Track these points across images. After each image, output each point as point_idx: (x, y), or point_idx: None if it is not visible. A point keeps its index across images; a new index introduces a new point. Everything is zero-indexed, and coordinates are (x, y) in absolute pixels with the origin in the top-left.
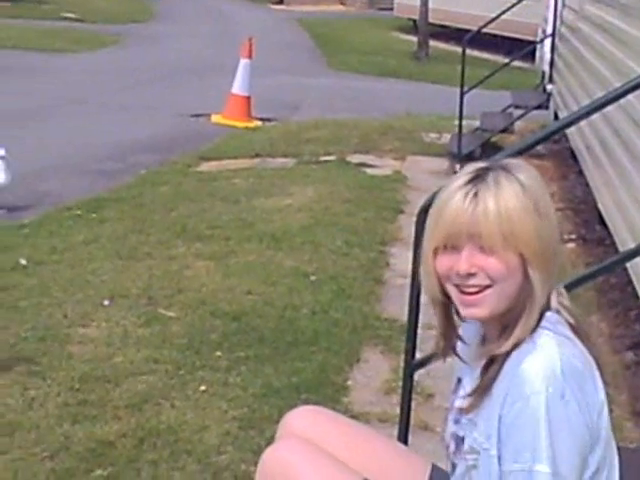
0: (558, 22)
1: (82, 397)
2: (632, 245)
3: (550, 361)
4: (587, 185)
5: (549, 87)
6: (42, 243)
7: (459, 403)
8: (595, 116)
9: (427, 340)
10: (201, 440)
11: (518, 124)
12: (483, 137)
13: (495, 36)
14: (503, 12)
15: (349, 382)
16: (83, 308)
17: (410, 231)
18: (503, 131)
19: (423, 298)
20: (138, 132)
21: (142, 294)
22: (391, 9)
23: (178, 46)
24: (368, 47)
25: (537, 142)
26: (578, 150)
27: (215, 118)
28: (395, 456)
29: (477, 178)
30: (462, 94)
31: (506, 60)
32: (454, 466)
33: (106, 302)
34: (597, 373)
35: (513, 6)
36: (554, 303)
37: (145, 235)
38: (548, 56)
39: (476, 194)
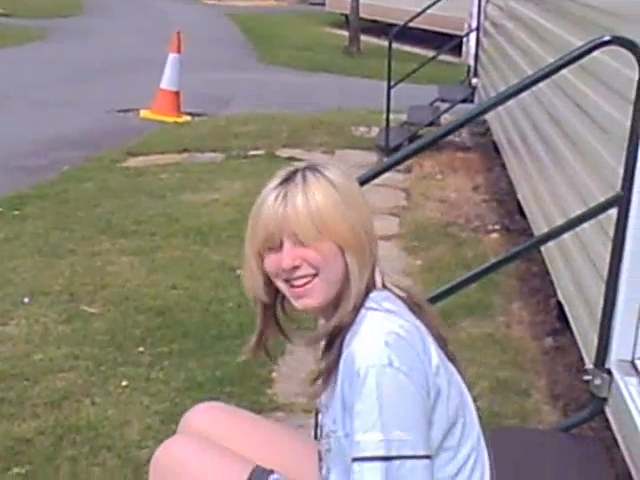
0: (482, 17)
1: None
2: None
3: (374, 336)
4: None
5: (474, 81)
6: None
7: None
8: (515, 110)
9: None
10: (122, 435)
11: (445, 117)
12: (410, 130)
13: (425, 31)
14: (428, 7)
15: (274, 374)
16: (2, 306)
17: None
18: (430, 124)
19: None
20: (63, 128)
21: (64, 291)
22: (323, 4)
23: (107, 41)
24: (300, 42)
25: (448, 132)
26: (500, 143)
27: (144, 113)
28: (293, 441)
29: (287, 180)
30: (389, 88)
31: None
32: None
33: (26, 299)
34: (429, 338)
35: (438, 0)
36: (379, 282)
37: (68, 231)
38: (473, 50)
39: (285, 194)
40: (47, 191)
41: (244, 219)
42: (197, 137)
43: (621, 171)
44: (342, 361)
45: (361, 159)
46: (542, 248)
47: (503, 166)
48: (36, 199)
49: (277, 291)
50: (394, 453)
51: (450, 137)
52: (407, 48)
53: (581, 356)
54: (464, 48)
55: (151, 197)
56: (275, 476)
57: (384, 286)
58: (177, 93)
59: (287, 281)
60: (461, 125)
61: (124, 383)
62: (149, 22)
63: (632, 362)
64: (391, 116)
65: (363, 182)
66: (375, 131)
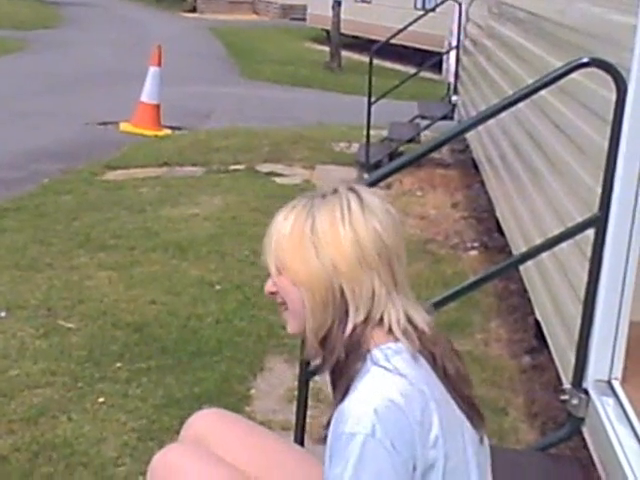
0: (462, 35)
1: None
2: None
3: (367, 400)
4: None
5: (454, 98)
6: None
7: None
8: (494, 129)
9: None
10: (98, 452)
11: (426, 134)
12: (391, 147)
13: (406, 47)
14: (409, 24)
15: (252, 391)
16: None
17: None
18: (410, 141)
19: None
20: (42, 140)
21: (41, 305)
22: (304, 19)
23: (87, 53)
24: (281, 57)
25: (430, 150)
26: (480, 161)
27: (123, 126)
28: (291, 458)
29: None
30: (370, 104)
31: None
32: None
33: (3, 314)
34: (433, 404)
35: (419, 18)
36: (395, 329)
37: (46, 245)
38: (453, 68)
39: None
40: (25, 204)
41: (224, 234)
42: (177, 151)
43: (599, 191)
44: (334, 414)
45: (341, 175)
46: (520, 267)
47: (482, 183)
48: (14, 212)
49: None
50: None
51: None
52: (388, 64)
53: (559, 375)
54: (444, 65)
55: (130, 211)
56: None
57: (404, 327)
58: (157, 106)
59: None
60: (443, 143)
61: (101, 399)
62: (128, 35)
63: (609, 382)
64: (372, 132)
65: None
66: (355, 147)
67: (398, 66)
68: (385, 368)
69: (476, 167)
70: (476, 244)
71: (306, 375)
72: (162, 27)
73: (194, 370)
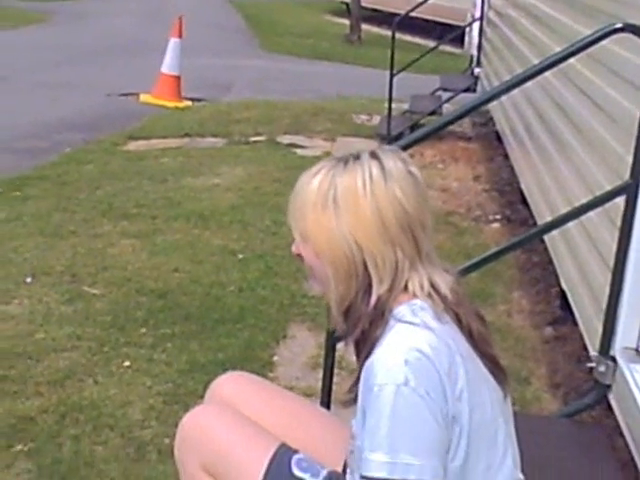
0: (486, 7)
1: (2, 373)
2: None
3: (395, 351)
4: (512, 167)
5: (477, 70)
6: None
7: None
8: (519, 99)
9: None
10: (124, 415)
11: (447, 107)
12: (412, 119)
13: (427, 21)
14: None
15: (275, 358)
16: (4, 285)
17: None
18: (432, 113)
19: None
20: (64, 110)
21: (66, 271)
22: None
23: (107, 24)
24: (301, 29)
25: (452, 120)
26: (503, 133)
27: (144, 97)
28: (318, 421)
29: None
30: (392, 76)
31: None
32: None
33: (28, 279)
34: (458, 358)
35: None
36: (418, 289)
37: (70, 213)
38: (476, 40)
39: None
40: (48, 173)
41: (246, 204)
42: (198, 122)
43: (630, 159)
44: (363, 370)
45: (363, 147)
46: (545, 237)
47: (504, 156)
48: (37, 180)
49: None
50: (397, 477)
51: (451, 127)
52: (408, 38)
53: (582, 345)
54: (467, 38)
55: (152, 181)
56: (299, 456)
57: (427, 292)
58: (178, 78)
59: None
60: (466, 113)
61: (127, 364)
62: (149, 6)
63: (637, 349)
64: (393, 105)
65: None
66: (376, 119)
67: (418, 40)
68: (411, 323)
69: (499, 140)
70: (498, 217)
71: (333, 340)
72: None
73: (218, 336)
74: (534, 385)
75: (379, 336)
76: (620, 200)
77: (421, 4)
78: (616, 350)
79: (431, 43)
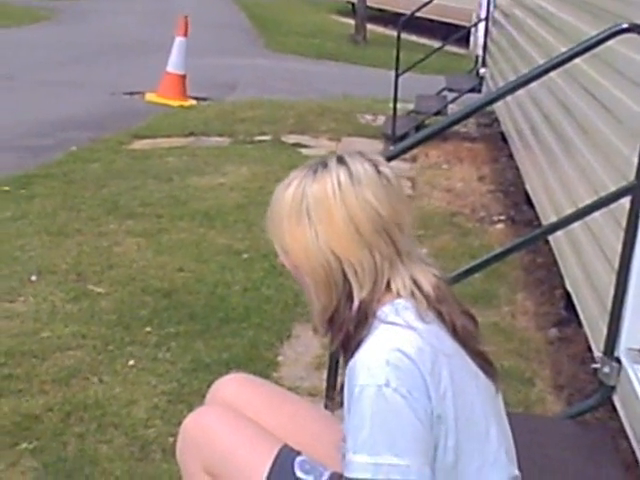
0: (492, 7)
1: (7, 371)
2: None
3: (377, 352)
4: (517, 168)
5: (482, 71)
6: None
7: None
8: (525, 99)
9: None
10: (129, 414)
11: (452, 107)
12: (417, 119)
13: (432, 21)
14: None
15: (280, 357)
16: (9, 283)
17: None
18: (437, 114)
19: None
20: (69, 109)
21: (71, 270)
22: None
23: (112, 23)
24: (306, 29)
25: (457, 120)
26: (508, 133)
27: (149, 96)
28: (319, 422)
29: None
30: (397, 76)
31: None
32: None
33: (33, 277)
34: (442, 358)
35: None
36: (401, 289)
37: (75, 212)
38: (482, 40)
39: None
40: (54, 171)
41: (250, 204)
42: (203, 121)
43: (635, 160)
44: (347, 371)
45: (368, 147)
46: (550, 238)
47: (509, 157)
48: (43, 179)
49: None
50: (382, 477)
51: (456, 127)
52: (414, 38)
53: (586, 347)
54: (472, 38)
55: (158, 179)
56: (302, 457)
57: (410, 291)
58: (183, 77)
59: None
60: (471, 113)
61: (131, 362)
62: (154, 5)
63: None
64: (398, 105)
65: None
66: (381, 119)
67: (423, 40)
68: (394, 323)
69: (504, 140)
70: (503, 217)
71: None
72: None
73: (222, 336)
74: (538, 386)
75: (364, 338)
76: (625, 201)
77: (426, 4)
78: (621, 351)
79: (436, 43)
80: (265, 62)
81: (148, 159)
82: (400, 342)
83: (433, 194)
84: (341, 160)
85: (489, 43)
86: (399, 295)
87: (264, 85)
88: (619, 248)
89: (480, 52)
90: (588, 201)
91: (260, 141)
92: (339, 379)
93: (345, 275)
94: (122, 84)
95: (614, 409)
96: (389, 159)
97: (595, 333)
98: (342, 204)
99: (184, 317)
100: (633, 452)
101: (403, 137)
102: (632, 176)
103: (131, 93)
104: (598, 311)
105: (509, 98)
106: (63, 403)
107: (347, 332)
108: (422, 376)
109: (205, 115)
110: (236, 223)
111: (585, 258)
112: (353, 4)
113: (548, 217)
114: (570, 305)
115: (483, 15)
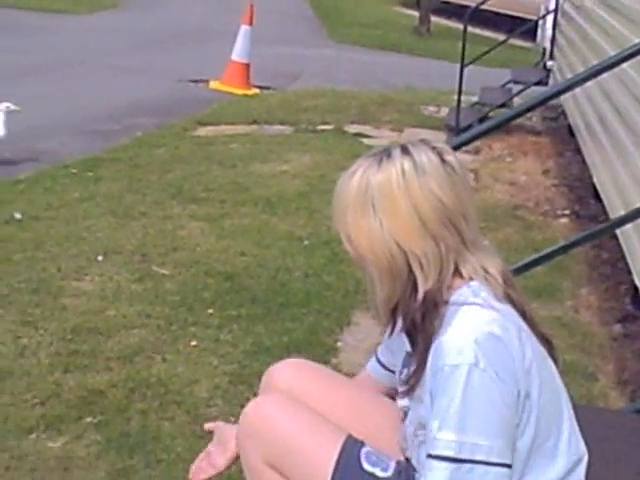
0: None
1: (74, 347)
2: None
3: (465, 332)
4: (583, 162)
5: (549, 63)
6: (37, 199)
7: (405, 378)
8: (595, 92)
9: None
10: (191, 393)
11: (517, 100)
12: (481, 111)
13: (498, 14)
14: None
15: (339, 344)
16: (77, 263)
17: None
18: (502, 106)
19: None
20: (136, 95)
21: (136, 251)
22: None
23: (178, 10)
24: (369, 20)
25: (523, 112)
26: (576, 127)
27: (213, 84)
28: (378, 409)
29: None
30: (462, 67)
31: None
32: (405, 439)
33: (100, 258)
34: (524, 334)
35: None
36: (471, 273)
37: (140, 195)
38: (549, 32)
39: None
40: (120, 155)
41: (312, 191)
42: (266, 110)
43: None
44: (432, 351)
45: (430, 138)
46: (618, 232)
47: (575, 151)
48: (109, 162)
49: None
50: (464, 456)
51: (521, 120)
52: (478, 31)
53: None
54: (539, 31)
55: (221, 166)
56: (367, 448)
57: (483, 276)
58: (247, 65)
59: None
60: (538, 104)
61: (194, 343)
62: None
63: None
64: (462, 97)
65: None
66: (444, 111)
67: (488, 33)
68: (475, 303)
69: (570, 134)
70: (567, 212)
71: None
72: None
73: (283, 320)
74: (601, 381)
75: (437, 326)
76: None
77: None
78: None
79: (501, 37)
80: (328, 52)
81: (212, 145)
82: (485, 321)
83: (496, 187)
84: (405, 150)
85: (557, 35)
86: (471, 279)
87: (327, 75)
88: None
89: (548, 44)
90: None
91: (322, 130)
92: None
93: (410, 266)
94: (187, 71)
95: None
96: (456, 147)
97: None
98: (406, 194)
99: (245, 300)
100: None
101: (467, 129)
102: None
103: (196, 81)
104: None
105: (578, 91)
106: (127, 380)
107: (413, 321)
108: (509, 354)
109: (268, 104)
110: (298, 210)
111: None
112: None
113: (616, 211)
114: (637, 300)
115: (552, 7)
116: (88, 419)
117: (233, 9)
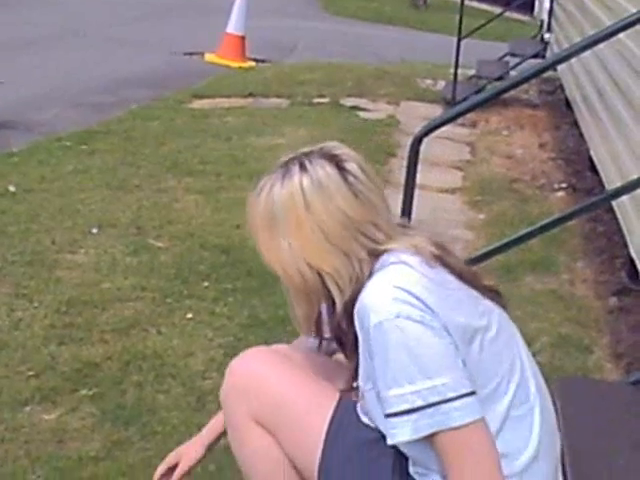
0: None
1: (69, 320)
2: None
3: (380, 293)
4: (580, 136)
5: (547, 36)
6: (31, 171)
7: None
8: (592, 64)
9: None
10: (186, 365)
11: (513, 73)
12: (478, 84)
13: None
14: None
15: None
16: (71, 235)
17: (401, 174)
18: (499, 79)
19: None
20: (131, 67)
21: (131, 224)
22: None
23: None
24: None
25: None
26: (573, 99)
27: (209, 57)
28: (341, 368)
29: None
30: (459, 40)
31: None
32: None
33: (94, 230)
34: (451, 277)
35: None
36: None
37: (135, 168)
38: (547, 5)
39: None
40: (114, 128)
41: None
42: (262, 83)
43: None
44: (355, 316)
45: (427, 112)
46: (614, 204)
47: (571, 124)
48: (104, 135)
49: None
50: (421, 403)
51: (517, 94)
52: (475, 4)
53: None
54: (536, 3)
55: (217, 138)
56: (361, 403)
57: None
58: (243, 38)
59: None
60: (534, 75)
61: (189, 315)
62: None
63: None
64: (458, 70)
65: (427, 132)
66: (441, 84)
67: (485, 6)
68: (391, 263)
69: (567, 107)
70: (564, 185)
71: None
72: None
73: (278, 293)
74: (596, 354)
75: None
76: None
77: None
78: None
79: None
80: (323, 25)
81: (207, 118)
82: (399, 277)
83: (492, 160)
84: (302, 166)
85: (555, 7)
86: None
87: (322, 48)
88: None
89: (545, 17)
90: None
91: (318, 103)
92: None
93: (323, 282)
94: (182, 43)
95: None
96: (446, 122)
97: None
98: (308, 213)
99: (241, 273)
100: None
101: (463, 102)
102: None
103: (191, 53)
104: None
105: (575, 63)
106: (122, 352)
107: (338, 329)
108: (427, 305)
109: (264, 76)
110: None
111: None
112: None
113: (613, 184)
114: (634, 273)
115: None
116: (83, 391)
117: None
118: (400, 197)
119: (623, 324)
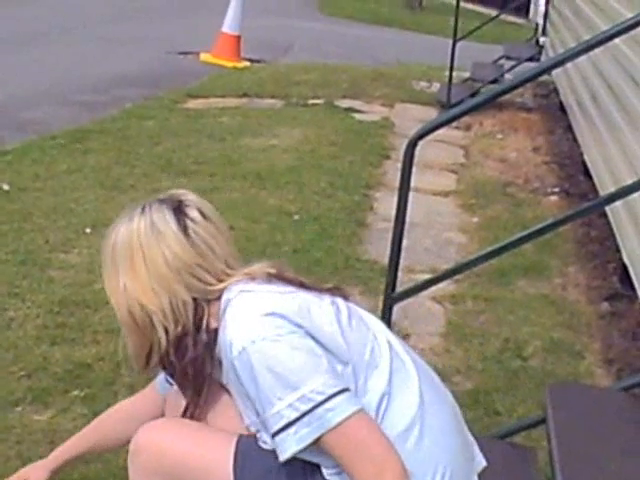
0: None
1: (61, 320)
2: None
3: (232, 323)
4: (574, 140)
5: (542, 39)
6: (25, 170)
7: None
8: (587, 69)
9: (407, 283)
10: None
11: (508, 76)
12: (473, 87)
13: None
14: None
15: None
16: (65, 235)
17: (395, 176)
18: (493, 82)
19: (405, 242)
20: (125, 65)
21: None
22: None
23: None
24: None
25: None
26: (568, 103)
27: (203, 56)
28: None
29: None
30: (454, 42)
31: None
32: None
33: (88, 230)
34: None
35: None
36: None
37: (129, 167)
38: (543, 8)
39: None
40: (108, 127)
41: (302, 166)
42: (257, 83)
43: None
44: (221, 356)
45: (422, 114)
46: (607, 210)
47: (566, 129)
48: (98, 134)
49: None
50: (297, 415)
51: (512, 97)
52: (470, 6)
53: (638, 322)
54: (532, 7)
55: (211, 139)
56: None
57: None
58: (238, 38)
59: None
60: (528, 80)
61: None
62: None
63: None
64: (453, 73)
65: (422, 135)
66: (436, 86)
67: (480, 8)
68: (233, 298)
69: (561, 111)
70: (557, 189)
71: (390, 301)
72: None
73: None
74: (587, 359)
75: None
76: None
77: None
78: None
79: (493, 12)
80: (319, 25)
81: (202, 118)
82: (242, 308)
83: (486, 163)
84: (143, 210)
85: (551, 10)
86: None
87: (318, 49)
88: None
89: (540, 20)
90: None
91: (313, 104)
92: None
93: (152, 321)
94: (177, 42)
95: None
96: (442, 125)
97: None
98: (141, 253)
99: None
100: None
101: (458, 104)
102: None
103: (186, 53)
104: None
105: (570, 67)
106: (114, 353)
107: (169, 366)
108: (276, 314)
109: (259, 77)
110: (287, 185)
111: None
112: None
113: (606, 188)
114: (625, 279)
115: None
116: (75, 392)
117: None
118: (394, 200)
119: (615, 329)
